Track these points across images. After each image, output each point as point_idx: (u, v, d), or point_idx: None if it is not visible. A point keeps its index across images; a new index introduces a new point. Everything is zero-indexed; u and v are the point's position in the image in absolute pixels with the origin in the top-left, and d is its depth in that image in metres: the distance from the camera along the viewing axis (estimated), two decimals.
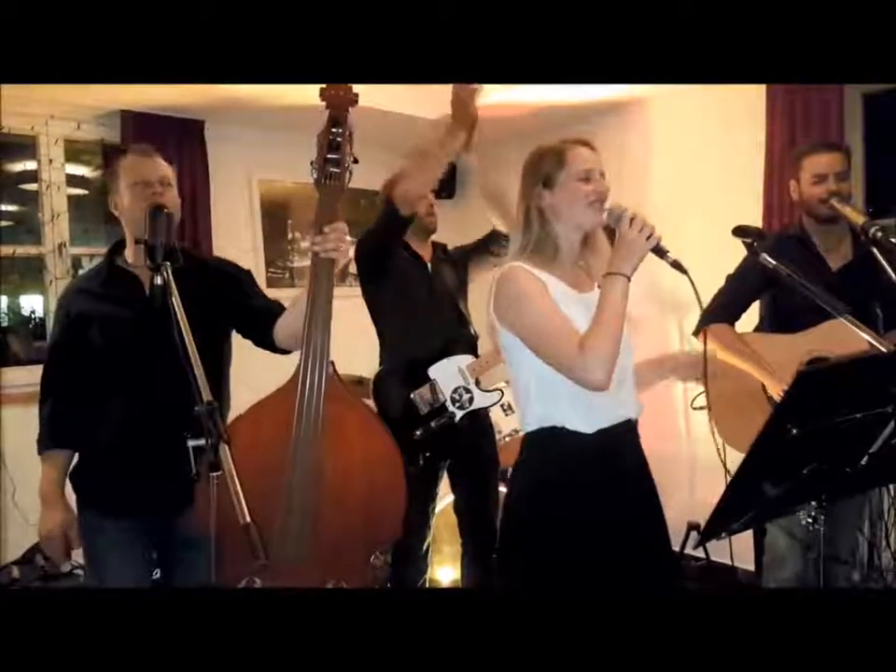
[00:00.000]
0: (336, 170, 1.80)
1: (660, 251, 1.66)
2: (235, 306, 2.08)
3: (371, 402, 2.70)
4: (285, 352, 2.05)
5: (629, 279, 1.64)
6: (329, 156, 1.80)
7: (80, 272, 3.56)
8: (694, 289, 1.70)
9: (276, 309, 2.08)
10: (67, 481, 2.02)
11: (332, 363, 1.80)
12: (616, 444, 1.75)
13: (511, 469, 1.88)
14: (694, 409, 2.73)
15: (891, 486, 2.83)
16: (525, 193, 1.78)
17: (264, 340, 2.05)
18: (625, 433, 1.78)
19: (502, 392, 2.65)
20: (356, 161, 1.86)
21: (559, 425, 1.70)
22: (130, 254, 2.03)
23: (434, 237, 2.87)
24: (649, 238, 1.63)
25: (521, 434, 3.05)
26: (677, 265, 1.66)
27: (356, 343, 3.48)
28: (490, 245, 2.82)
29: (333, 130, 1.82)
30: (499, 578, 1.83)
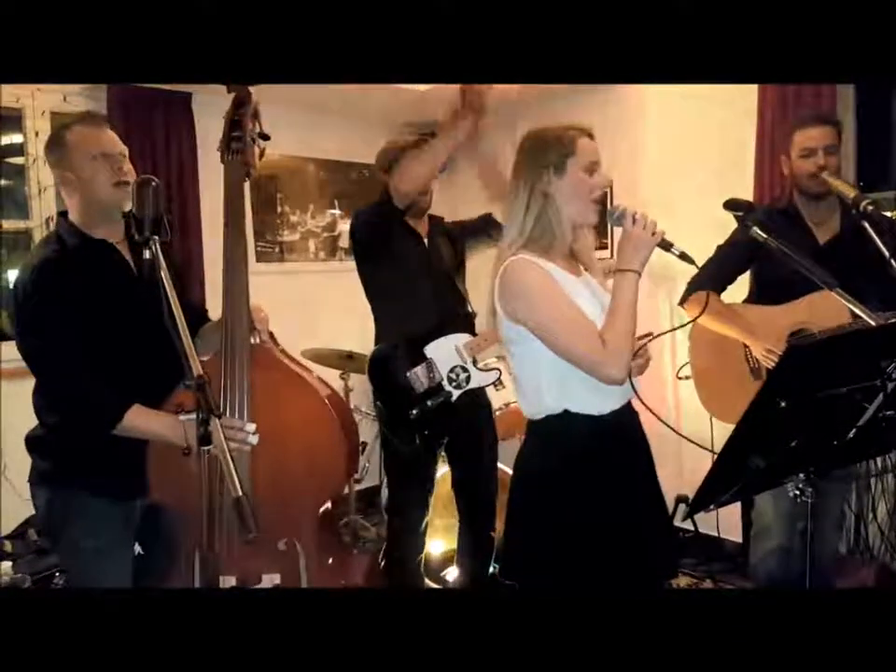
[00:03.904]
0: (239, 145, 1.97)
1: (666, 245, 1.70)
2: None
3: (364, 378, 2.70)
4: None
5: (640, 275, 1.69)
6: (232, 134, 1.98)
7: None
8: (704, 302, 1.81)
9: (202, 313, 2.20)
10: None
11: (257, 330, 1.94)
12: (625, 424, 1.79)
13: (517, 457, 1.89)
14: (680, 379, 2.74)
15: (878, 459, 2.87)
16: (527, 175, 1.74)
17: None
18: (630, 412, 1.82)
19: (500, 370, 2.64)
20: (266, 138, 2.05)
21: (573, 410, 1.72)
22: (86, 225, 1.93)
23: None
24: (653, 234, 1.68)
25: (512, 407, 3.04)
26: (684, 256, 1.70)
27: (345, 318, 3.49)
28: (489, 230, 2.78)
29: (239, 111, 2.00)
30: (510, 574, 1.83)
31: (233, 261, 1.90)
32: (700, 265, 1.70)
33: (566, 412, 1.72)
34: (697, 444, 2.01)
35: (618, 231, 1.76)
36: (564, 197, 1.72)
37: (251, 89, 2.04)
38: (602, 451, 1.74)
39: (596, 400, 1.72)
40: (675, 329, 2.00)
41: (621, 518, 1.73)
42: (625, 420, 1.79)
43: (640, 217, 1.69)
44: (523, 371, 1.78)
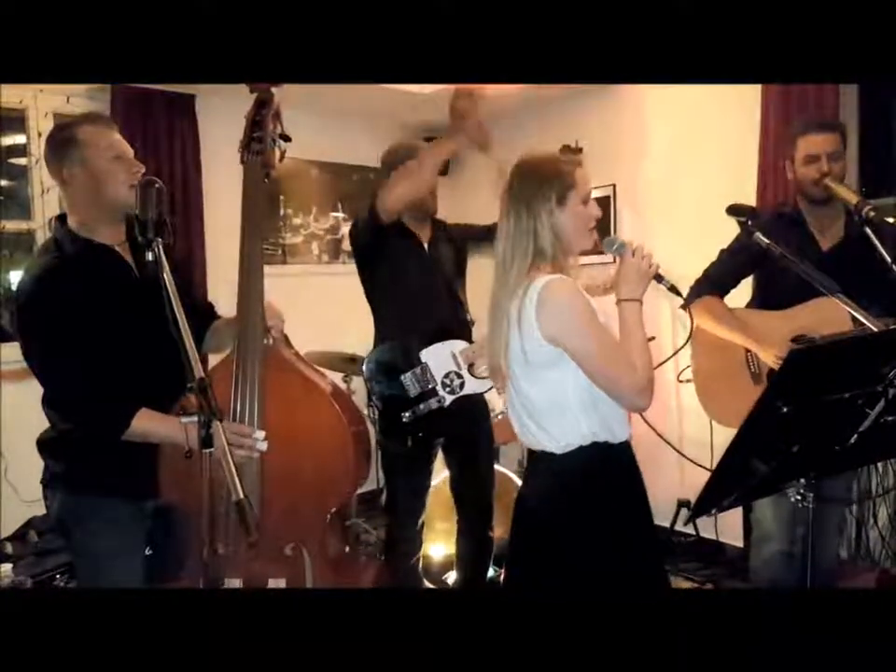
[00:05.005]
0: (260, 146, 1.97)
1: (659, 277, 1.78)
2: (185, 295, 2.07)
3: (361, 381, 2.70)
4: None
5: (641, 302, 1.75)
6: (253, 135, 1.98)
7: None
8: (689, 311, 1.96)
9: (212, 313, 2.19)
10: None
11: (271, 332, 1.94)
12: (630, 446, 1.81)
13: (529, 490, 1.88)
14: (681, 382, 2.75)
15: (879, 464, 2.87)
16: (529, 202, 1.74)
17: (197, 337, 2.07)
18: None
19: None
20: (288, 139, 2.06)
21: (600, 439, 1.72)
22: (87, 228, 1.89)
23: None
24: (650, 266, 1.75)
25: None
26: (673, 289, 1.79)
27: (348, 321, 3.48)
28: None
29: (261, 111, 1.99)
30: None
31: (251, 263, 1.90)
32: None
33: (594, 442, 1.72)
34: (695, 462, 2.04)
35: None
36: (564, 225, 1.74)
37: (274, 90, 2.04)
38: (622, 477, 1.77)
39: (621, 427, 1.75)
40: (678, 350, 2.07)
41: (636, 535, 1.77)
42: (629, 443, 1.81)
43: (640, 249, 1.75)
44: (551, 398, 1.74)
